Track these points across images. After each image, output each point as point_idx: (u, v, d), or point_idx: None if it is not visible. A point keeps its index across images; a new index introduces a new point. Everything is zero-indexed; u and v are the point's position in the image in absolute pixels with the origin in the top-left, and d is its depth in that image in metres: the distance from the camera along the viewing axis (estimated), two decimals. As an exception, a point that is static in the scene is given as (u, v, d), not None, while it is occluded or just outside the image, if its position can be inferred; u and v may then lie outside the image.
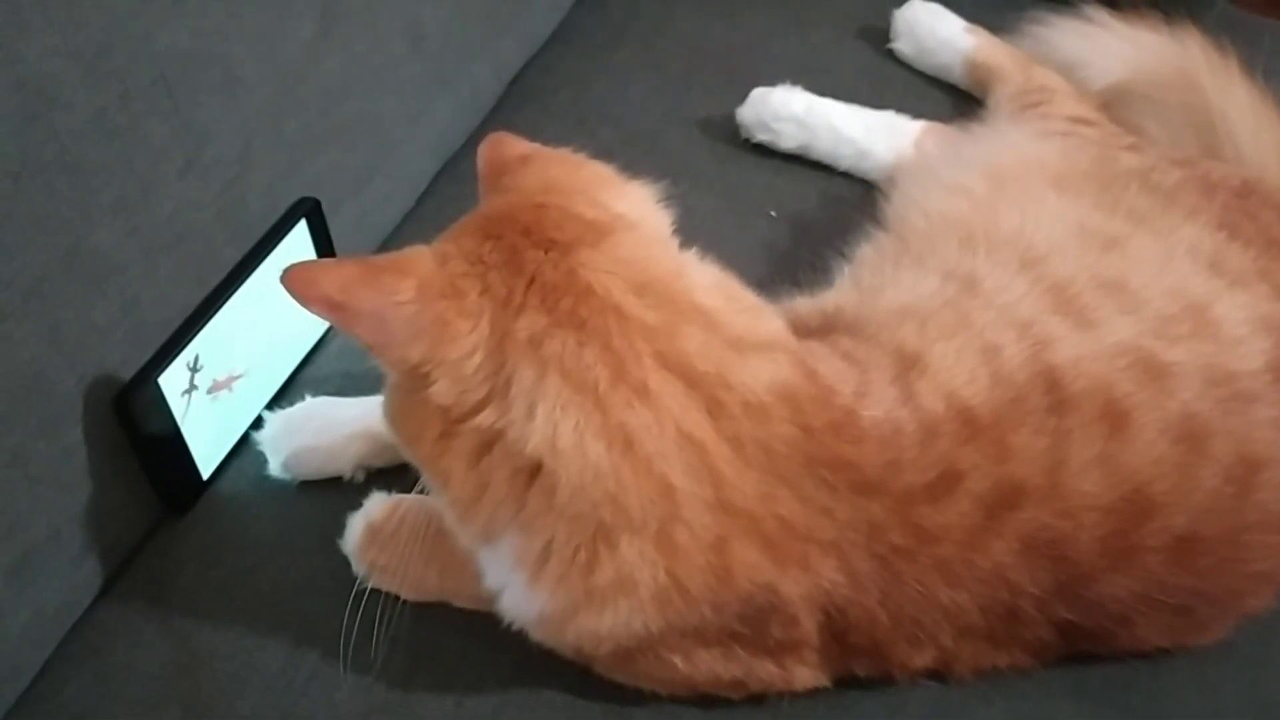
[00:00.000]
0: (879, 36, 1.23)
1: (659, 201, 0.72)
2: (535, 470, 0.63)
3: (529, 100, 1.23)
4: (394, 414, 0.67)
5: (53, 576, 0.77)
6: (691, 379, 0.63)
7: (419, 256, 0.64)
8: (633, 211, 0.69)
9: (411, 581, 0.77)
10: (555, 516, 0.63)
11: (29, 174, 0.70)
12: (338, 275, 0.62)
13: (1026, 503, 0.68)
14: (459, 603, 0.78)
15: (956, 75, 1.18)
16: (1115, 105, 1.09)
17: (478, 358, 0.62)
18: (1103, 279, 0.77)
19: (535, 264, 0.63)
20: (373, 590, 0.76)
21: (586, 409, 0.61)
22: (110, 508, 0.80)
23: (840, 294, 0.85)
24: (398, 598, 0.76)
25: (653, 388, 0.62)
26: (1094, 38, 1.12)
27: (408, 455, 0.68)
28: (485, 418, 0.62)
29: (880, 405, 0.68)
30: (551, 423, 0.61)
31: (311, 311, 0.63)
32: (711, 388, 0.63)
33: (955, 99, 1.17)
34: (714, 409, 0.63)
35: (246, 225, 0.89)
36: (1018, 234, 0.82)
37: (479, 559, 0.70)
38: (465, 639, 0.76)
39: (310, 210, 0.92)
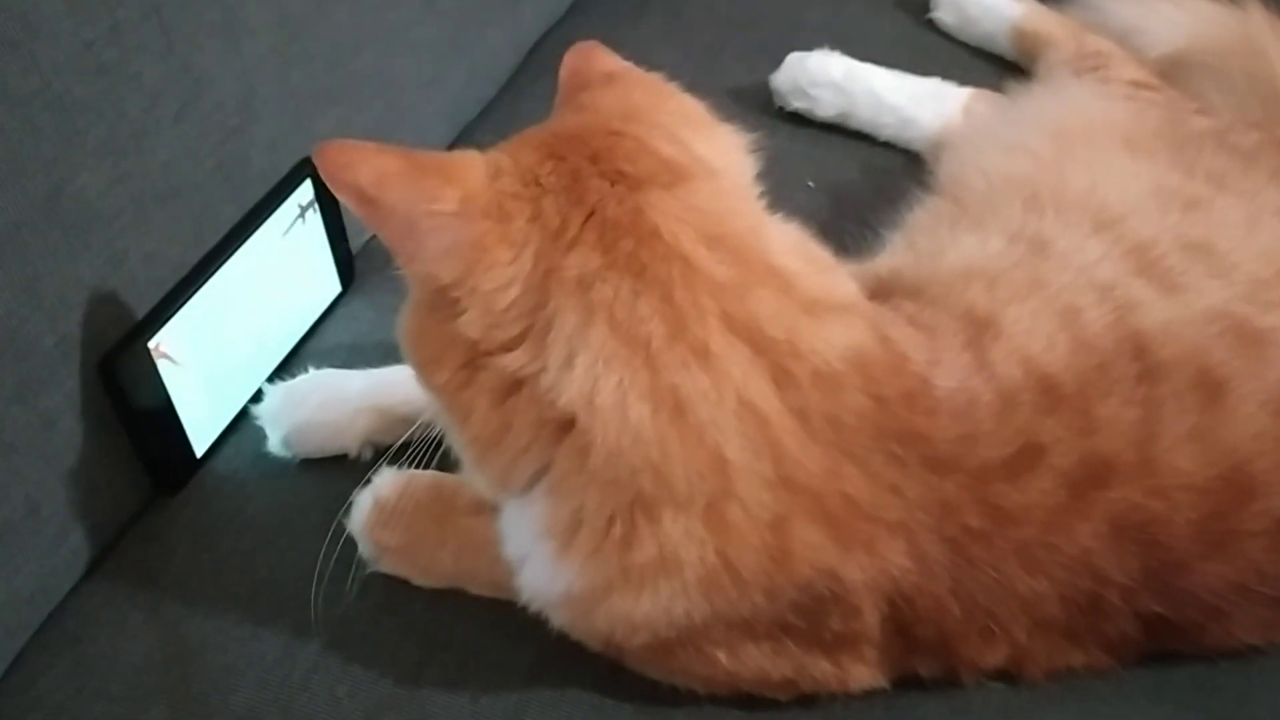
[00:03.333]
0: (918, 6, 1.18)
1: (747, 150, 0.66)
2: (567, 425, 0.56)
3: (547, 71, 1.15)
4: (412, 333, 0.60)
5: (29, 557, 0.71)
6: (760, 345, 0.57)
7: (469, 163, 0.58)
8: (716, 157, 0.63)
9: (424, 565, 0.71)
10: (586, 480, 0.57)
11: (6, 107, 0.64)
12: (376, 165, 0.56)
13: (1115, 480, 0.62)
14: (475, 589, 0.72)
15: (1002, 44, 1.13)
16: (1172, 75, 1.04)
17: (514, 292, 0.56)
18: (1187, 241, 0.72)
19: (598, 195, 0.57)
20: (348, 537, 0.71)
21: (634, 366, 0.55)
22: (94, 483, 0.75)
23: (894, 257, 0.79)
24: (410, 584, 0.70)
25: (715, 350, 0.56)
26: (1150, 5, 1.08)
27: (420, 380, 0.62)
28: (514, 360, 0.56)
29: (954, 374, 0.62)
30: (592, 376, 0.55)
31: (338, 197, 0.57)
32: (780, 355, 0.57)
33: (999, 70, 1.12)
34: (781, 378, 0.57)
35: (248, 182, 0.83)
36: (1088, 194, 0.77)
37: (499, 523, 0.64)
38: (482, 629, 0.71)
39: (315, 170, 0.85)
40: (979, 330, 0.65)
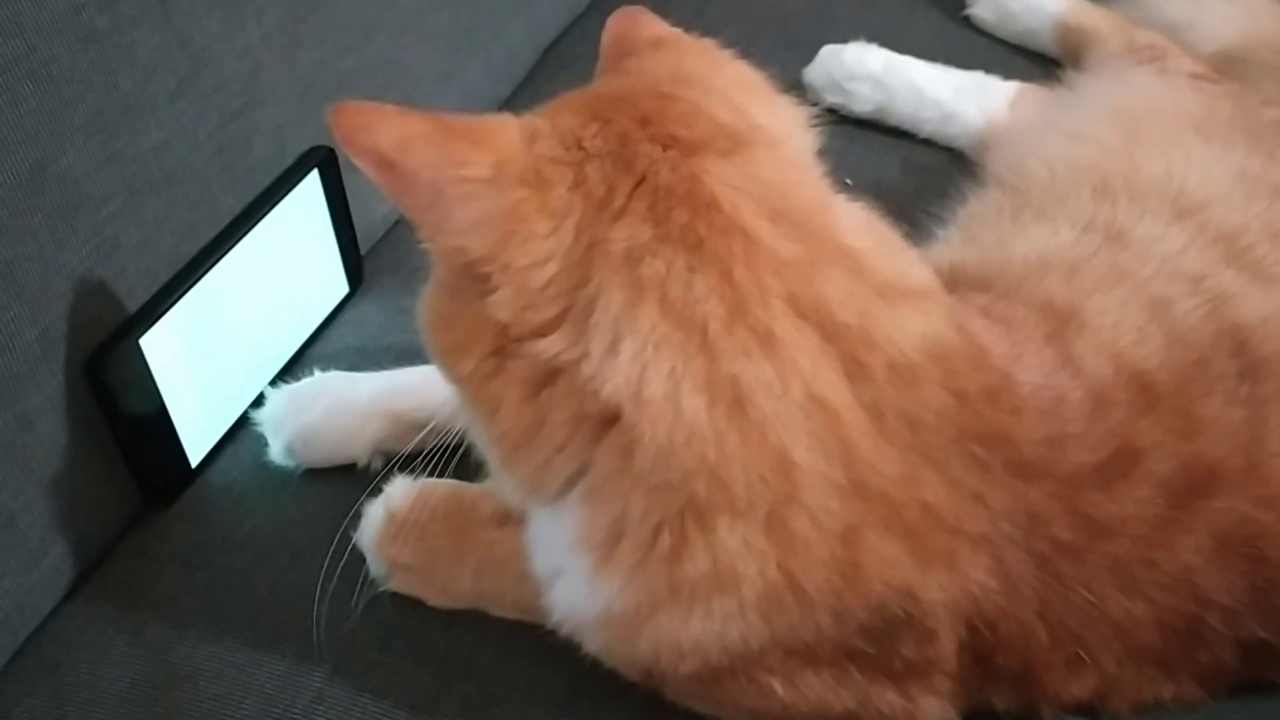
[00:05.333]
0: (953, 2, 1.15)
1: (808, 124, 0.60)
2: (610, 420, 0.51)
3: (565, 69, 1.16)
4: (434, 316, 0.55)
5: (3, 574, 0.66)
6: (830, 331, 0.51)
7: (503, 127, 0.53)
8: (777, 126, 0.57)
9: (440, 583, 0.66)
10: (631, 483, 0.51)
11: None
12: (399, 127, 0.50)
13: (1221, 489, 0.56)
14: (498, 610, 0.66)
15: (1044, 41, 1.09)
16: (1226, 71, 0.99)
17: (551, 268, 0.50)
18: (1278, 229, 0.66)
19: (648, 161, 0.51)
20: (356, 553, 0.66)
21: (688, 352, 0.49)
22: (77, 493, 0.70)
23: (954, 250, 0.74)
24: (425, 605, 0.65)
25: (780, 336, 0.50)
26: (1200, 0, 1.02)
27: (442, 370, 0.56)
28: (551, 345, 0.50)
29: (1037, 369, 0.57)
30: (640, 364, 0.49)
31: (356, 162, 0.51)
32: (852, 343, 0.51)
33: (1038, 67, 1.07)
34: (853, 370, 0.51)
35: (250, 170, 0.78)
36: (1165, 181, 0.72)
37: (527, 535, 0.59)
38: (505, 655, 0.66)
39: (324, 160, 0.82)
40: (1061, 323, 0.60)
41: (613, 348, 0.49)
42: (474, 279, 0.51)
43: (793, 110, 0.59)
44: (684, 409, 0.49)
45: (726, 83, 0.57)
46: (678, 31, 0.61)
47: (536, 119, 0.53)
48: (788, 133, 0.57)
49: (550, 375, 0.51)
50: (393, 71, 0.92)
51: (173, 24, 0.69)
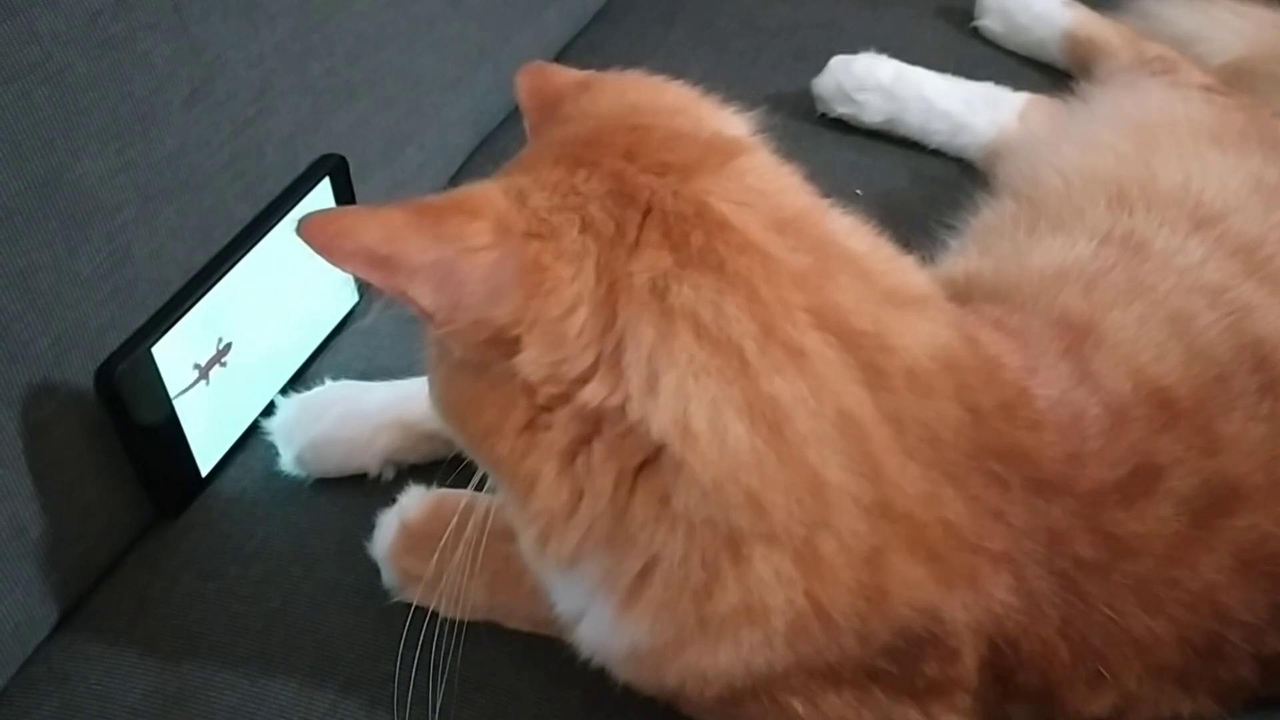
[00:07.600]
0: (962, 14, 1.15)
1: (757, 134, 0.59)
2: (646, 466, 0.49)
3: None
4: (460, 403, 0.53)
5: (14, 584, 0.66)
6: (849, 340, 0.50)
7: (485, 193, 0.51)
8: (743, 136, 0.57)
9: (454, 595, 0.64)
10: (668, 527, 0.49)
11: (1, 80, 0.59)
12: (380, 222, 0.48)
13: (1244, 506, 0.55)
14: (512, 623, 0.66)
15: (1052, 52, 1.09)
16: (1235, 84, 0.99)
17: (582, 313, 0.48)
18: None
19: (649, 191, 0.50)
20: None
21: (727, 377, 0.48)
22: (88, 503, 0.69)
23: (969, 261, 0.73)
24: (439, 617, 0.63)
25: (809, 350, 0.49)
26: (1209, 13, 1.04)
27: (478, 456, 0.54)
28: (592, 393, 0.48)
29: (1054, 384, 0.56)
30: (682, 397, 0.47)
31: (344, 269, 0.50)
32: (870, 351, 0.50)
33: (1046, 79, 1.07)
34: (874, 379, 0.50)
35: (262, 178, 0.78)
36: (1182, 191, 0.71)
37: (544, 580, 0.57)
38: (520, 669, 0.65)
39: (335, 169, 0.81)
40: (1077, 337, 0.59)
41: (650, 385, 0.48)
42: (500, 350, 0.49)
43: (738, 116, 0.58)
44: (729, 437, 0.47)
45: (678, 101, 0.57)
46: (594, 72, 0.60)
47: (515, 179, 0.51)
48: (753, 140, 0.57)
49: (584, 438, 0.49)
50: (402, 80, 0.92)
51: (187, 32, 0.69)
